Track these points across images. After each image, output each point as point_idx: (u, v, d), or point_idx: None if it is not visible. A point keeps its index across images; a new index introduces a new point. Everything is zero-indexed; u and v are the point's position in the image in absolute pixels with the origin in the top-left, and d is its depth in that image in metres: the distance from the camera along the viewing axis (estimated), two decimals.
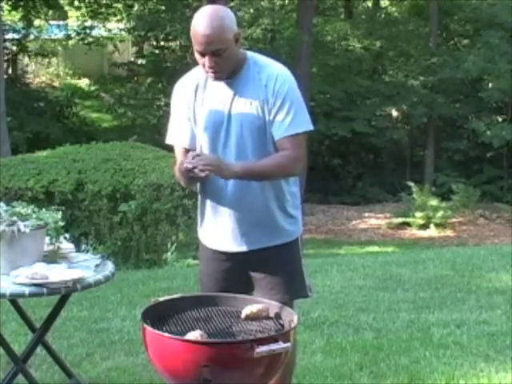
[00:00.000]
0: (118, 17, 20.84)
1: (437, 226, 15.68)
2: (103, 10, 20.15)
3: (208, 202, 3.25)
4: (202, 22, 3.02)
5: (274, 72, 3.13)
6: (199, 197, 3.31)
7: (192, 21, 3.07)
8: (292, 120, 3.09)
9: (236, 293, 3.02)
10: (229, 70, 3.09)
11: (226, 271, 3.27)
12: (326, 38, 19.81)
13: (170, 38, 20.07)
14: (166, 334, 2.63)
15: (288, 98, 3.10)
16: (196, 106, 3.18)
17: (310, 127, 3.12)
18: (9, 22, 19.31)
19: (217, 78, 3.10)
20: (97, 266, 3.54)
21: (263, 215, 3.19)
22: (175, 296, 3.01)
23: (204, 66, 3.07)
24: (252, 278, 3.24)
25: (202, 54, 3.05)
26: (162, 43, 20.85)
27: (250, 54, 3.19)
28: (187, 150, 3.17)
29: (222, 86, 3.14)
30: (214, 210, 3.24)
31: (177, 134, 3.24)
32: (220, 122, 3.13)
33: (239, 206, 3.18)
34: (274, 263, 3.22)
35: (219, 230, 3.24)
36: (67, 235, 3.71)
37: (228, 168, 3.03)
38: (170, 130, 3.28)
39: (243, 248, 3.22)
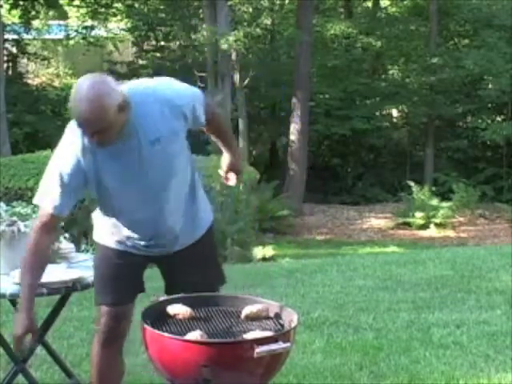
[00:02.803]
0: (118, 17, 20.83)
1: (437, 225, 15.66)
2: (103, 10, 20.12)
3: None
4: (80, 103, 2.79)
5: (167, 94, 2.99)
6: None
7: (71, 92, 2.82)
8: (200, 98, 3.11)
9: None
10: (116, 137, 2.88)
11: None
12: (325, 38, 19.79)
13: (170, 37, 20.08)
14: (166, 334, 2.63)
15: (188, 97, 3.06)
16: (99, 168, 2.95)
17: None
18: (9, 23, 19.28)
19: (103, 147, 2.90)
20: None
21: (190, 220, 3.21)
22: (175, 296, 3.01)
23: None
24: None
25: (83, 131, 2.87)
26: (162, 43, 20.86)
27: (128, 91, 2.93)
28: (57, 219, 2.99)
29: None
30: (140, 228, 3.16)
31: (57, 199, 2.95)
32: (140, 174, 2.98)
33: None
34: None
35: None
36: (67, 235, 3.71)
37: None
38: (48, 190, 2.98)
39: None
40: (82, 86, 2.81)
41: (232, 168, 3.36)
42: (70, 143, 2.96)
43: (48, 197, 2.96)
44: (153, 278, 3.33)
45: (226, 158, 3.36)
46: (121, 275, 3.20)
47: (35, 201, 3.03)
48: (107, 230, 3.20)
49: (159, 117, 2.95)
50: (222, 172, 3.38)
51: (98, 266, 3.26)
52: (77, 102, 2.79)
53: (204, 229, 3.26)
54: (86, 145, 2.92)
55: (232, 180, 3.37)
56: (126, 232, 3.15)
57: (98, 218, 3.23)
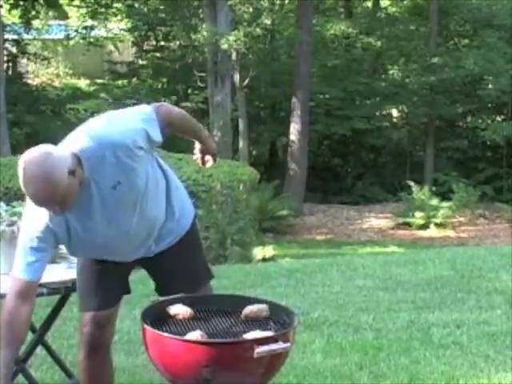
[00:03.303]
0: (118, 17, 20.83)
1: (437, 225, 15.67)
2: (103, 10, 20.12)
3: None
4: (29, 187, 2.68)
5: (115, 139, 2.85)
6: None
7: (19, 174, 2.70)
8: (151, 119, 2.97)
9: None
10: (77, 196, 2.80)
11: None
12: (325, 38, 19.80)
13: (170, 38, 20.08)
14: (165, 334, 2.63)
15: (138, 129, 2.91)
16: (69, 225, 2.91)
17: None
18: (9, 23, 19.28)
19: (69, 210, 2.83)
20: None
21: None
22: (175, 296, 3.01)
23: None
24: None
25: None
26: (162, 43, 20.85)
27: (78, 150, 2.81)
28: (30, 285, 2.88)
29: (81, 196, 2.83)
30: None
31: (29, 266, 2.87)
32: (111, 217, 2.94)
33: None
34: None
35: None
36: None
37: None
38: (18, 260, 2.90)
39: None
40: (27, 167, 2.67)
41: (205, 152, 3.31)
42: (35, 212, 2.87)
43: (19, 265, 2.88)
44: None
45: (196, 146, 3.31)
46: (104, 278, 3.18)
47: (18, 275, 2.90)
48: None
49: (114, 161, 2.84)
50: (198, 159, 3.34)
51: (80, 271, 3.24)
52: (26, 185, 2.68)
53: (185, 228, 3.23)
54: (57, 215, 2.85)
55: (209, 162, 3.33)
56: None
57: None
